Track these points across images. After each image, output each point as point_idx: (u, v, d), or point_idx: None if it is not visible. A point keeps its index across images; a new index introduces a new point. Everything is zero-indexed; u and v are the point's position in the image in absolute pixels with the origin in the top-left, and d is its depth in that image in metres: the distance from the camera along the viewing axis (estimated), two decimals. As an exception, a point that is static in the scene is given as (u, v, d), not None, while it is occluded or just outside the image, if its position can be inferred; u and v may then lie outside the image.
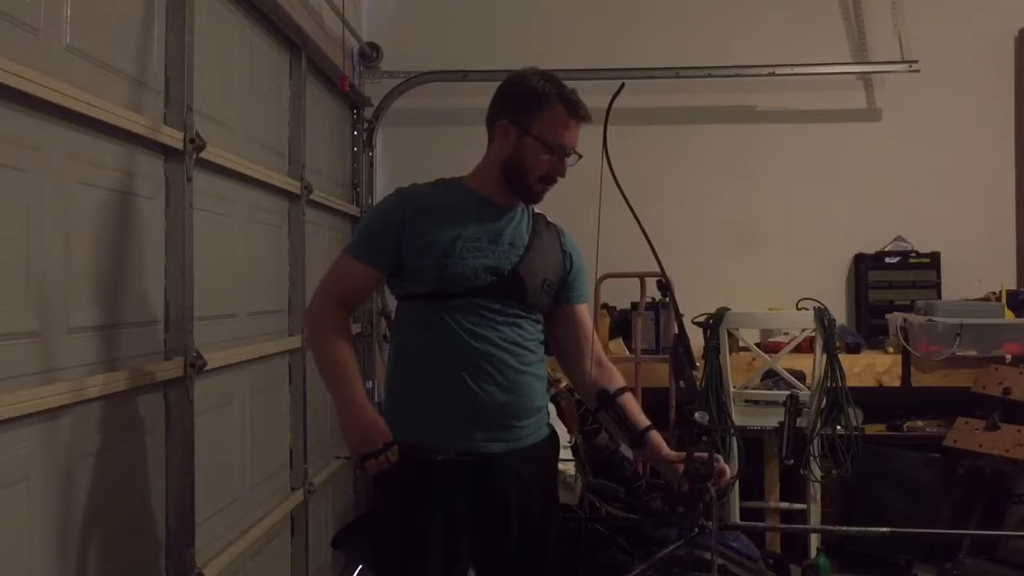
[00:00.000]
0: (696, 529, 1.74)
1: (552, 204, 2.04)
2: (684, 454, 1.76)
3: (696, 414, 1.70)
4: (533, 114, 1.84)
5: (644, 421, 1.93)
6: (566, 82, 1.89)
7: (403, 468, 1.83)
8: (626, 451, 3.23)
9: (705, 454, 1.70)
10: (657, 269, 1.83)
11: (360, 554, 2.95)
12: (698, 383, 1.80)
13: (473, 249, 1.84)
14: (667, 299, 1.85)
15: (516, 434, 1.88)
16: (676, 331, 1.83)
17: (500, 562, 1.93)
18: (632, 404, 1.95)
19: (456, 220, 1.86)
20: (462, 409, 1.84)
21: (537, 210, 2.01)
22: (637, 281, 3.74)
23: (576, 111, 1.85)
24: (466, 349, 1.83)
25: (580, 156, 1.87)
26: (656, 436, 1.91)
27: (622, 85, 1.81)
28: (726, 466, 1.78)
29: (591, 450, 3.25)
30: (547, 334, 2.00)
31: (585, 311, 2.04)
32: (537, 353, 1.95)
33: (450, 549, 1.85)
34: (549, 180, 1.88)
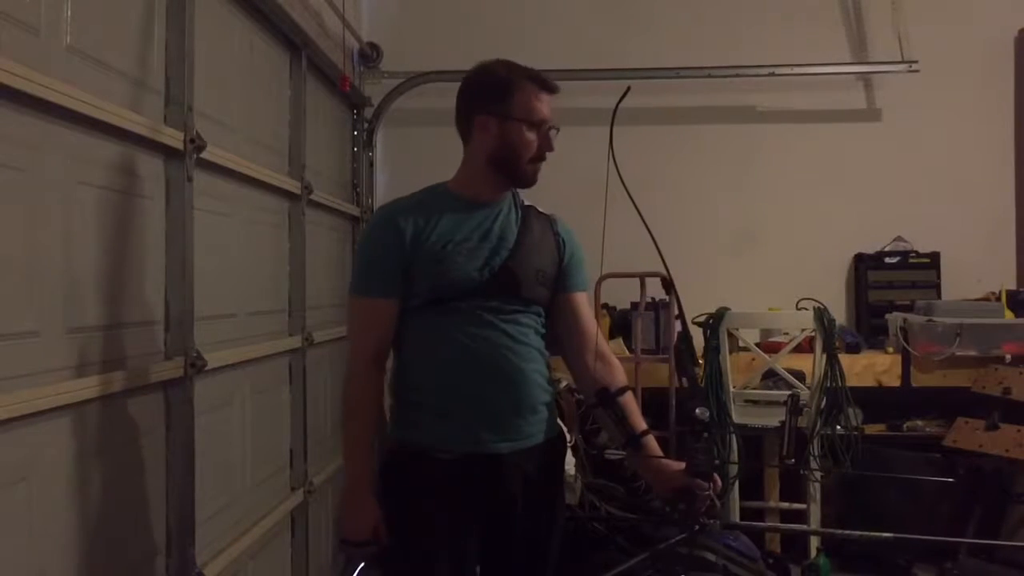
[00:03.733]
0: (696, 527, 1.74)
1: (552, 206, 2.05)
2: (669, 465, 1.76)
3: (697, 410, 1.70)
4: (508, 99, 1.84)
5: (642, 424, 1.91)
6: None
7: (409, 470, 1.83)
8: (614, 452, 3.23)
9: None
10: (657, 269, 1.83)
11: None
12: (699, 381, 1.80)
13: (464, 251, 1.83)
14: (671, 297, 1.85)
15: (522, 432, 1.87)
16: (680, 329, 1.83)
17: (505, 562, 1.93)
18: (632, 406, 1.93)
19: (444, 225, 1.85)
20: (466, 411, 1.83)
21: (527, 202, 1.99)
22: (637, 281, 3.74)
23: (546, 84, 1.87)
24: (467, 352, 1.82)
25: (558, 129, 1.89)
26: (652, 441, 1.90)
27: (628, 88, 1.81)
28: (717, 476, 1.78)
29: (591, 450, 3.26)
30: (548, 328, 1.97)
31: (584, 300, 2.00)
32: (538, 349, 1.93)
33: (457, 550, 1.85)
34: (540, 158, 1.88)
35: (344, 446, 1.88)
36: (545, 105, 1.86)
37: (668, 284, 1.87)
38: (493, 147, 1.86)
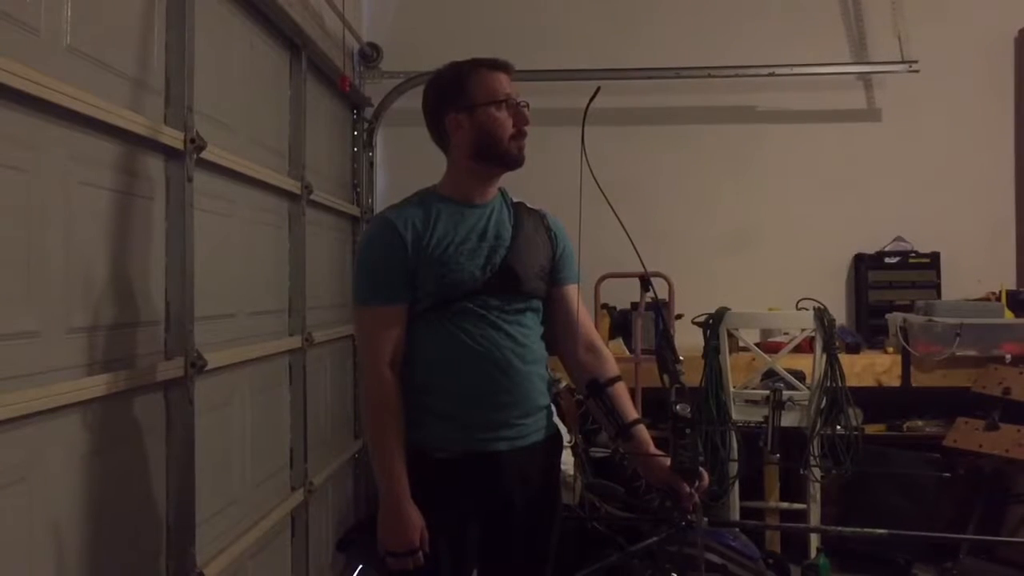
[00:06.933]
0: (683, 523, 1.73)
1: (553, 206, 2.05)
2: (656, 459, 1.76)
3: (678, 406, 1.69)
4: (466, 90, 1.87)
5: (632, 414, 1.93)
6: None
7: (408, 470, 1.83)
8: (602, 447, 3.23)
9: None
10: (656, 269, 1.83)
11: (363, 554, 2.95)
12: (682, 377, 1.79)
13: (465, 251, 1.85)
14: (649, 293, 1.85)
15: (520, 431, 1.88)
16: (661, 327, 1.83)
17: (503, 560, 1.93)
18: (622, 395, 1.94)
19: (442, 227, 1.86)
20: (468, 411, 1.84)
21: (516, 199, 1.99)
22: (637, 281, 3.73)
23: (496, 63, 1.90)
24: (471, 353, 1.83)
25: (527, 104, 1.90)
26: (642, 431, 1.90)
27: (598, 88, 1.82)
28: (705, 473, 1.78)
29: (591, 450, 3.26)
30: (544, 324, 1.98)
31: (576, 292, 2.01)
32: (539, 351, 1.94)
33: (456, 549, 1.86)
34: (520, 135, 1.89)
35: (377, 459, 1.84)
36: (503, 83, 1.88)
37: (646, 281, 1.87)
38: (471, 140, 1.87)
